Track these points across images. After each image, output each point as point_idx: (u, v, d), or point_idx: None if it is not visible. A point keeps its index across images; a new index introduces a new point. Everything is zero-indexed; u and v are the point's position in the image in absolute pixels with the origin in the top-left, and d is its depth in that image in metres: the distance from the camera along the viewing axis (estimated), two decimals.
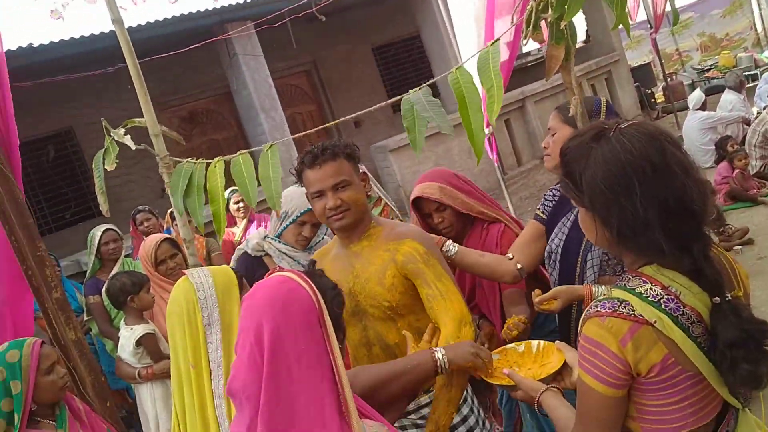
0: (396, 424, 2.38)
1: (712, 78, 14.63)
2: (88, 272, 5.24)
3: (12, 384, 2.37)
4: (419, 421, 2.37)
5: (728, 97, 9.57)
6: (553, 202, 2.61)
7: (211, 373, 1.92)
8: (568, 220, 2.50)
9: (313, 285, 1.48)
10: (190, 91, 10.85)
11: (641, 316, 1.41)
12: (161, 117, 10.52)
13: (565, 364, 1.87)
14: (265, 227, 6.09)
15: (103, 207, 2.71)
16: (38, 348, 2.47)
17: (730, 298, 1.44)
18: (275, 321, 1.42)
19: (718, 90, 11.35)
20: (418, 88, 2.38)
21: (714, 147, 8.35)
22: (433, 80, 2.42)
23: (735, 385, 1.45)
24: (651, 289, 1.44)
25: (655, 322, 1.40)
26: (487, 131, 7.00)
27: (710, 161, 8.60)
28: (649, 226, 1.41)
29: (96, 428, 2.56)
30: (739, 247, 5.94)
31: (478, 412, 2.50)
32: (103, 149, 2.59)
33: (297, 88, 12.13)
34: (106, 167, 2.58)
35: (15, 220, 3.21)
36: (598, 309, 1.46)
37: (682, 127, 9.55)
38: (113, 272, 4.76)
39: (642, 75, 14.72)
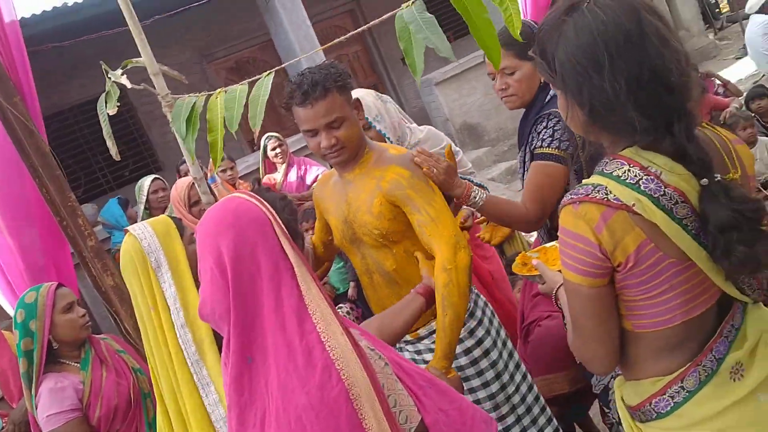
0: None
1: None
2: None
3: (30, 323, 2.49)
4: (416, 353, 2.37)
5: None
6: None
7: (169, 309, 2.11)
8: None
9: (260, 198, 1.47)
10: (234, 41, 10.85)
11: (616, 199, 1.33)
12: (209, 69, 10.65)
13: None
14: (306, 171, 6.15)
15: (112, 150, 2.74)
16: (54, 289, 2.58)
17: (719, 179, 1.32)
18: (229, 237, 1.40)
19: None
20: (410, 2, 2.26)
21: None
22: None
23: (731, 270, 1.35)
24: (629, 170, 1.35)
25: (634, 204, 1.31)
26: None
27: None
28: (623, 102, 1.32)
29: (120, 370, 2.64)
30: None
31: (497, 333, 2.44)
32: (105, 93, 2.61)
33: (341, 29, 11.95)
34: (108, 111, 2.60)
35: (43, 172, 3.30)
36: (572, 196, 1.38)
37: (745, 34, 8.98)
38: None
39: None
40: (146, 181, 5.34)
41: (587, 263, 1.37)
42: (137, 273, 2.16)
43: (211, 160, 6.04)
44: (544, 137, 2.32)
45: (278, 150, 6.07)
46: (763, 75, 8.58)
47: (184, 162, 5.89)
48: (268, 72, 2.51)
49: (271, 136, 6.15)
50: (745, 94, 6.43)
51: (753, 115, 5.77)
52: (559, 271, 1.65)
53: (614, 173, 1.36)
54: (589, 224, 1.34)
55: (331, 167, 2.51)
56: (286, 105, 2.23)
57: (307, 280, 1.39)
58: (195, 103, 2.45)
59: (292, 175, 6.14)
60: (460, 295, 2.04)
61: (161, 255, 2.15)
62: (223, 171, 5.73)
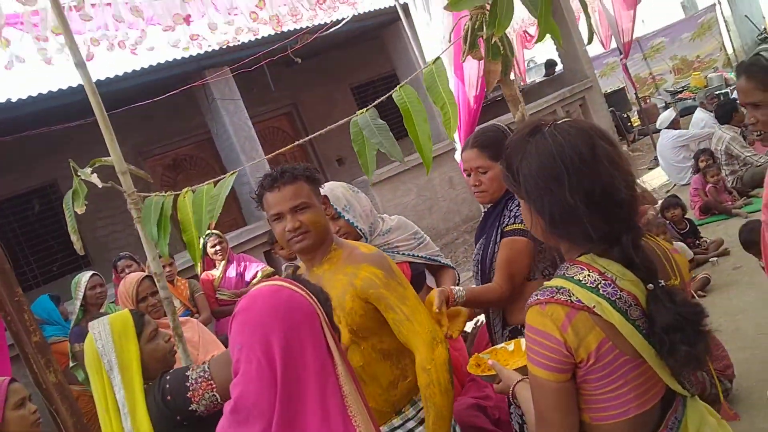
0: None
1: (685, 99, 14.92)
2: (73, 320, 5.26)
3: None
4: None
5: (700, 115, 9.79)
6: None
7: (119, 411, 2.04)
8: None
9: (307, 291, 1.48)
10: (172, 139, 10.97)
11: (579, 301, 1.46)
12: (145, 165, 10.67)
13: None
14: (245, 268, 6.18)
15: (77, 245, 2.77)
16: (6, 384, 2.52)
17: (663, 284, 1.49)
18: (281, 330, 1.41)
19: (692, 110, 11.58)
20: (365, 109, 2.48)
21: (689, 165, 8.56)
22: (375, 103, 2.50)
23: (676, 367, 1.50)
24: (589, 275, 1.49)
25: (594, 306, 1.45)
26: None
27: (686, 178, 8.73)
28: (579, 214, 1.47)
29: None
30: (715, 258, 6.03)
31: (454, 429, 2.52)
32: (71, 190, 2.66)
33: (279, 131, 12.29)
34: (76, 210, 2.64)
35: None
36: (538, 297, 1.51)
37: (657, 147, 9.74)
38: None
39: (617, 100, 15.00)
40: (84, 277, 5.27)
41: (553, 359, 1.48)
42: (94, 374, 2.13)
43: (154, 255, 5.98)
44: (517, 214, 2.51)
45: (218, 247, 6.11)
46: (674, 185, 9.25)
47: (122, 258, 5.82)
48: (231, 172, 2.65)
49: (211, 233, 6.17)
50: (660, 202, 6.93)
51: (667, 222, 6.24)
52: (521, 368, 1.80)
53: (575, 277, 1.50)
54: (555, 323, 1.46)
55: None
56: (258, 194, 2.34)
57: (348, 380, 1.42)
58: (164, 203, 2.54)
59: (232, 272, 6.17)
60: (442, 394, 2.12)
61: (113, 357, 2.11)
62: (163, 267, 5.69)
